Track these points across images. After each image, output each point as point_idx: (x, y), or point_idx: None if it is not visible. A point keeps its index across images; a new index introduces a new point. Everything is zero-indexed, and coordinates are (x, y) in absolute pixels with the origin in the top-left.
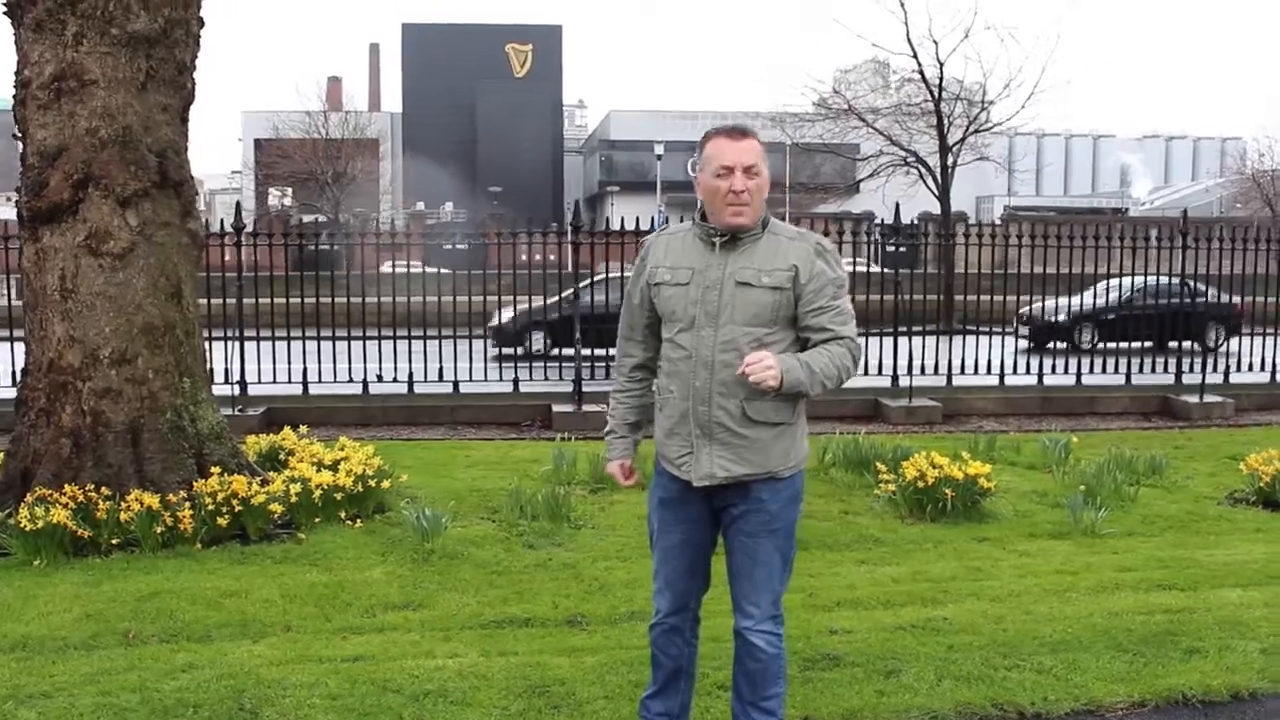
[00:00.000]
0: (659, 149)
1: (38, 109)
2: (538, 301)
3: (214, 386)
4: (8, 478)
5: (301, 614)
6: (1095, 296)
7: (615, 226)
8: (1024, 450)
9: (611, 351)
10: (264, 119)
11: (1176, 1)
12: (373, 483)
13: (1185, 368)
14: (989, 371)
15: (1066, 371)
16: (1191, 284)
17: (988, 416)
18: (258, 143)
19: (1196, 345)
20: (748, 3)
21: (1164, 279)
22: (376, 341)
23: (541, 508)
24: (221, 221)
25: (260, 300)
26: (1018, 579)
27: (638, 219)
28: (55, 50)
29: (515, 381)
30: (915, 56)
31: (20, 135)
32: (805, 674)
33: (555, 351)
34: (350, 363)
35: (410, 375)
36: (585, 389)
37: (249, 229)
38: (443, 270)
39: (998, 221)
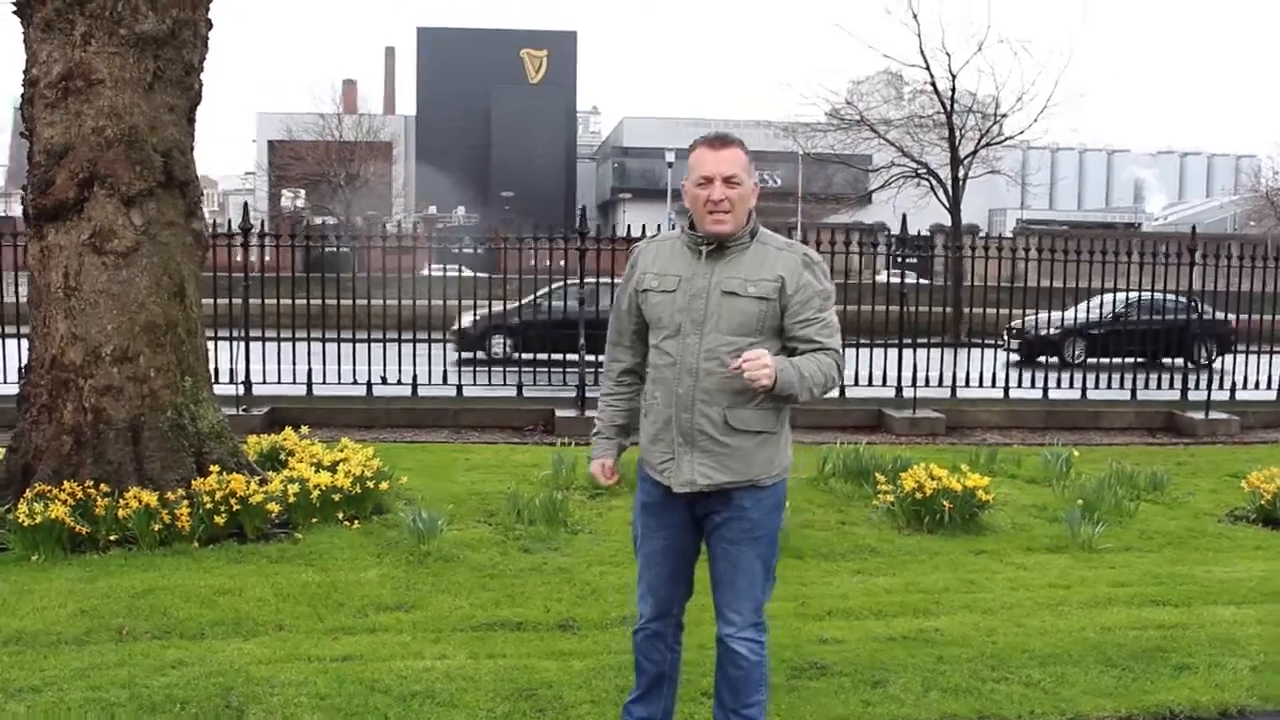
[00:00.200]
0: (670, 156)
1: (45, 107)
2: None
3: (220, 386)
4: (9, 473)
5: (294, 613)
6: (1086, 311)
7: (627, 233)
8: (1025, 464)
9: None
10: (278, 121)
11: (1193, 18)
12: (371, 484)
13: (1191, 384)
14: (994, 384)
15: (1072, 386)
16: (1184, 300)
17: (992, 429)
18: (271, 144)
19: (1189, 362)
20: (764, 12)
21: (1155, 294)
22: (381, 344)
23: (539, 512)
24: (229, 222)
25: (266, 301)
26: (1011, 592)
27: (643, 227)
28: (63, 50)
29: (519, 386)
30: (928, 68)
31: (28, 133)
32: (792, 682)
33: (516, 356)
34: (355, 364)
35: (414, 378)
36: (588, 394)
37: (255, 229)
38: (448, 272)
39: (1009, 234)
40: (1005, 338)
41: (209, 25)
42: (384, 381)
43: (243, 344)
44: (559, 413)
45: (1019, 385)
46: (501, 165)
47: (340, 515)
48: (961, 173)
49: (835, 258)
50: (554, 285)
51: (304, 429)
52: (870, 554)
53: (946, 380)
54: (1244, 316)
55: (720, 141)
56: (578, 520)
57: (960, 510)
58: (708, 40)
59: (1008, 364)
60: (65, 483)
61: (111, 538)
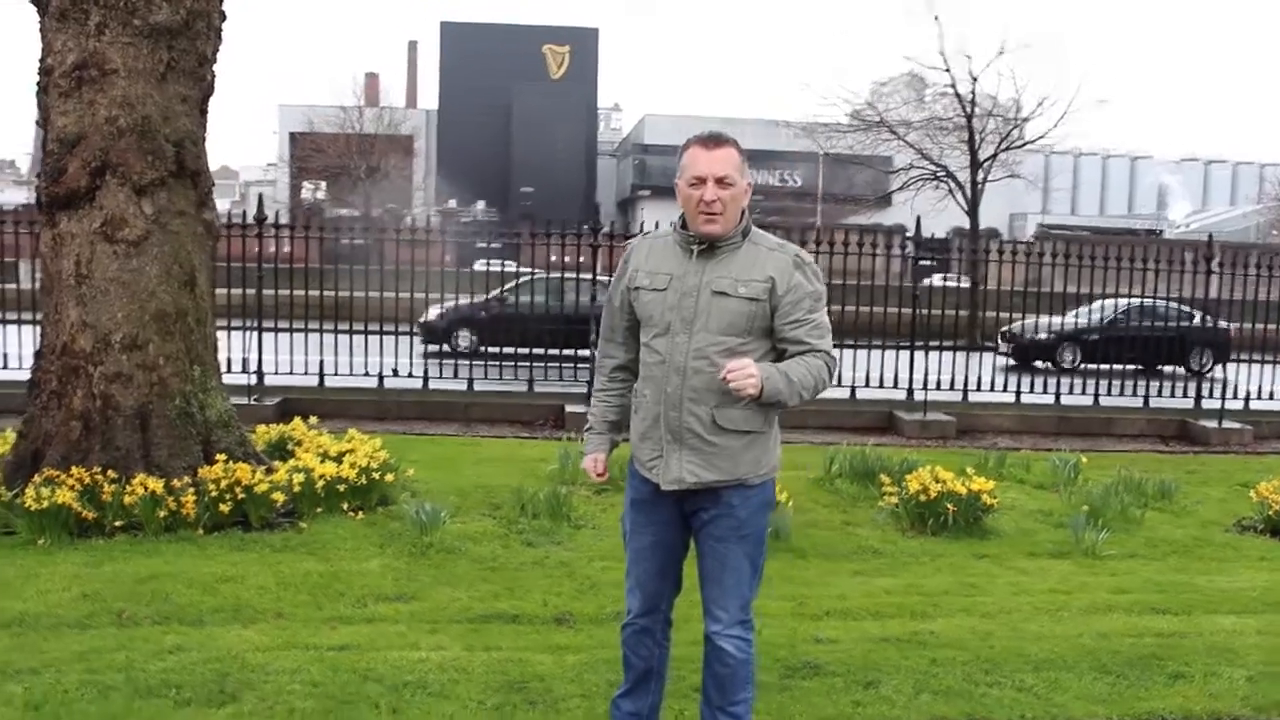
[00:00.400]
0: None
1: (59, 96)
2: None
3: (232, 376)
4: (18, 458)
5: (294, 601)
6: (1084, 316)
7: (648, 230)
8: (1034, 469)
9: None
10: (300, 113)
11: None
12: (377, 475)
13: (1205, 392)
14: (1006, 389)
15: (1084, 392)
16: (1183, 307)
17: (1003, 434)
18: (293, 136)
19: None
20: (787, 12)
21: (1151, 301)
22: (394, 336)
23: (543, 506)
24: (244, 213)
25: (280, 291)
26: (1011, 596)
27: (656, 223)
28: (78, 39)
29: (530, 381)
30: (948, 70)
31: (42, 122)
32: (785, 681)
33: (481, 350)
34: (367, 356)
35: (425, 371)
36: None
37: (271, 220)
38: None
39: (1030, 239)
40: (998, 341)
41: (222, 17)
42: (395, 374)
43: (256, 334)
44: (569, 408)
45: (1031, 390)
46: (522, 161)
47: (345, 506)
48: (981, 176)
49: (854, 259)
50: (520, 280)
51: (314, 420)
52: (872, 555)
53: (959, 384)
54: (1259, 326)
55: (714, 141)
56: (582, 515)
57: (965, 513)
58: (730, 39)
59: (1018, 369)
60: (73, 468)
61: (117, 523)
